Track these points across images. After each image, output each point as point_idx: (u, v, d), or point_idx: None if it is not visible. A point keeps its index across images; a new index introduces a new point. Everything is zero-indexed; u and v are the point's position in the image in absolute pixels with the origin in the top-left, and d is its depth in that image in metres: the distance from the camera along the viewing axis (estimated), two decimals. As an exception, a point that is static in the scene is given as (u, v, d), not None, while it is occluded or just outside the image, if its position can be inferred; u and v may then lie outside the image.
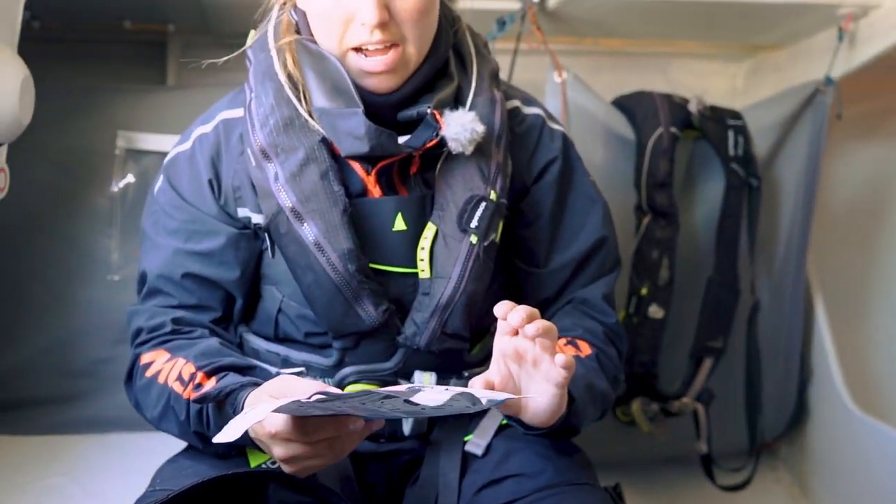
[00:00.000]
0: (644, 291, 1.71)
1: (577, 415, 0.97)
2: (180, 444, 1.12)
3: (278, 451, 0.87)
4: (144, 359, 1.05)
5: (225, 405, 0.96)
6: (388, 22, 0.96)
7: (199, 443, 1.02)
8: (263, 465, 1.01)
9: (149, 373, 1.03)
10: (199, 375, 0.99)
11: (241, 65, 1.11)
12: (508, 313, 0.86)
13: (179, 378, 1.00)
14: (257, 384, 0.95)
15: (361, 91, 1.00)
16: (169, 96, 1.71)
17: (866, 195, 2.12)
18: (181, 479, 0.96)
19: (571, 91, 1.70)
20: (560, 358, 0.85)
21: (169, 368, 1.02)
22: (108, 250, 1.61)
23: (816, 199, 1.87)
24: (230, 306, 1.12)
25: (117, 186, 1.62)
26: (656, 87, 1.82)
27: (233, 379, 0.97)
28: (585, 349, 1.06)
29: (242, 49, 1.11)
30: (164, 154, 1.59)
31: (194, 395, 0.97)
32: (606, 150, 1.74)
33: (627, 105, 1.78)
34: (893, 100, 2.08)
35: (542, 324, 0.85)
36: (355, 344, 1.06)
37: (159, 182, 1.14)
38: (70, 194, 1.62)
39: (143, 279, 1.12)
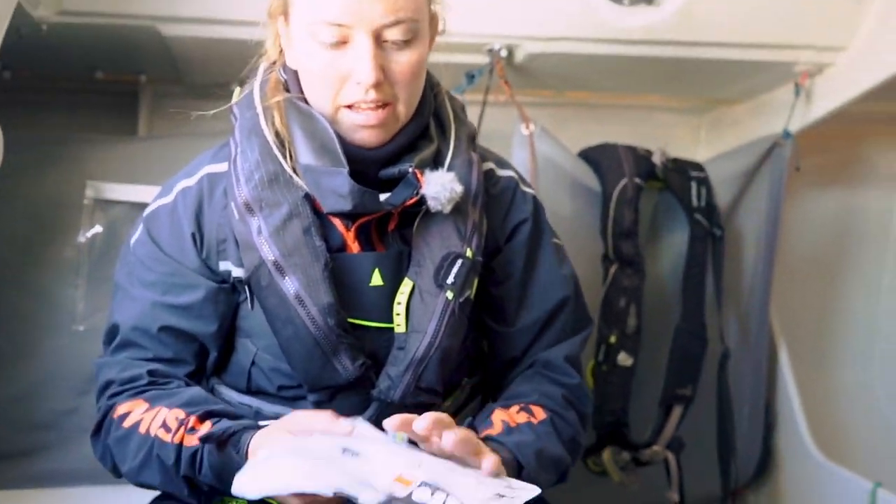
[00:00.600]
0: (613, 339, 1.73)
1: (528, 481, 0.97)
2: (146, 498, 1.10)
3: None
4: (120, 409, 1.03)
5: (227, 446, 0.95)
6: (382, 82, 0.99)
7: (185, 488, 1.00)
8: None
9: (126, 423, 1.02)
10: (192, 420, 0.98)
11: (214, 115, 1.12)
12: (417, 426, 0.87)
13: (164, 426, 0.99)
14: (258, 427, 0.95)
15: (347, 149, 1.03)
16: (139, 146, 1.71)
17: (826, 244, 2.18)
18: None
19: (539, 143, 1.73)
20: (486, 466, 0.88)
21: (150, 418, 1.00)
22: (73, 300, 1.59)
23: (778, 248, 1.91)
24: (204, 360, 1.11)
25: (85, 237, 1.60)
26: (621, 137, 1.86)
27: (232, 422, 0.97)
28: (539, 414, 1.06)
29: (225, 106, 1.12)
30: (134, 204, 1.62)
31: (197, 436, 0.96)
32: (573, 201, 1.77)
33: (593, 157, 1.82)
34: (849, 152, 2.15)
35: (454, 437, 0.87)
36: (330, 398, 1.05)
37: (137, 233, 1.13)
38: (37, 244, 1.60)
39: (113, 331, 1.11)
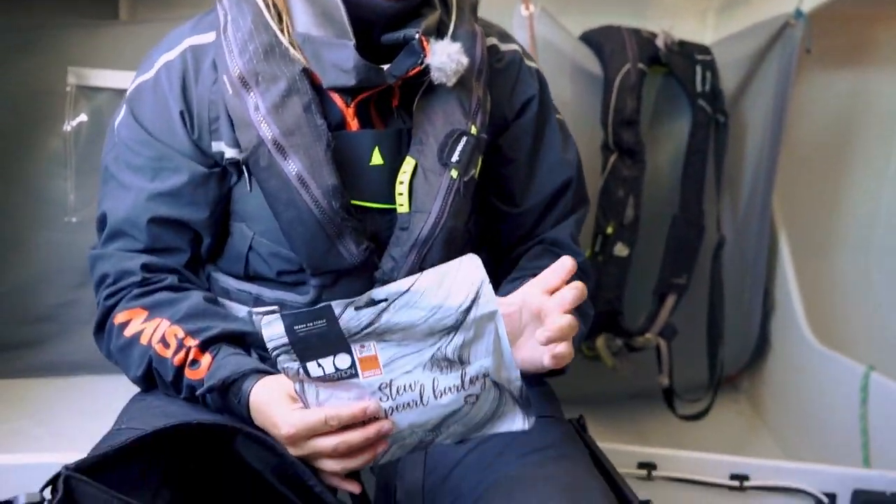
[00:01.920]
0: (610, 230, 1.72)
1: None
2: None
3: (293, 450, 0.86)
4: (120, 318, 1.02)
5: (228, 393, 0.94)
6: None
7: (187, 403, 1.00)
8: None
9: (127, 332, 1.00)
10: (193, 350, 0.96)
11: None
12: (565, 288, 0.84)
13: (163, 340, 0.97)
14: (259, 370, 0.93)
15: (350, 12, 0.96)
16: (122, 30, 1.65)
17: (834, 131, 2.13)
18: (148, 419, 0.95)
19: (539, 25, 1.67)
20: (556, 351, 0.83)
21: (151, 329, 0.99)
22: (63, 192, 1.56)
23: (784, 134, 1.87)
24: (198, 247, 1.09)
25: (70, 125, 1.57)
26: (625, 20, 1.79)
27: (232, 362, 0.94)
28: None
29: None
30: (119, 91, 1.57)
31: (199, 392, 0.94)
32: (574, 86, 1.72)
33: (595, 40, 1.76)
34: (862, 33, 2.07)
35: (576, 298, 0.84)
36: (334, 282, 1.04)
37: (121, 114, 1.08)
38: (20, 135, 1.56)
39: (103, 220, 1.08)
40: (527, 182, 1.12)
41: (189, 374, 0.96)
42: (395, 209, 1.02)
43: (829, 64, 2.05)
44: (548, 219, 1.14)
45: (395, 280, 1.01)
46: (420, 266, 1.01)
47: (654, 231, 1.77)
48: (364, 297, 0.79)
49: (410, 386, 0.82)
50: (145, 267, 1.04)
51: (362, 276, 1.03)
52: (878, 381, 1.69)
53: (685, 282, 1.78)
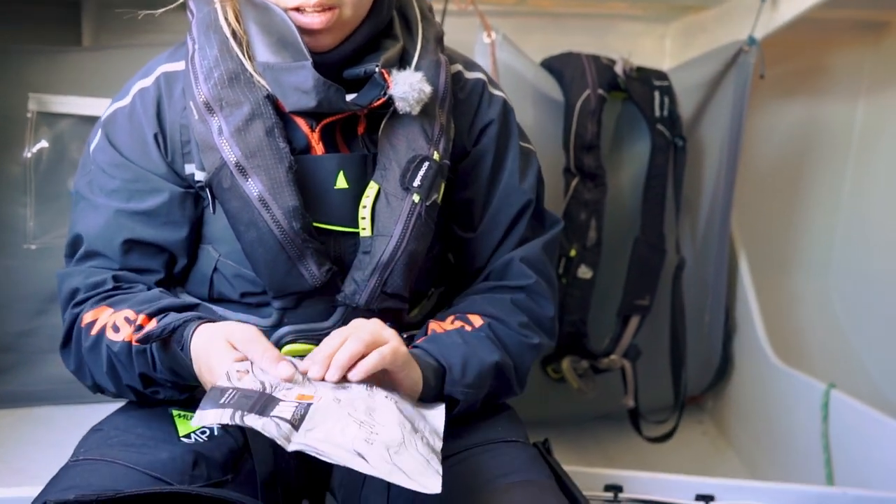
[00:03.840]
0: (573, 253, 1.73)
1: (451, 386, 0.99)
2: (106, 413, 1.10)
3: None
4: (87, 318, 1.01)
5: (171, 343, 0.94)
6: None
7: (142, 385, 0.99)
8: (193, 435, 1.00)
9: (94, 331, 1.00)
10: (141, 318, 0.97)
11: (160, 25, 1.06)
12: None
13: (114, 326, 0.98)
14: (201, 318, 0.94)
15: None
16: (84, 57, 1.64)
17: (789, 153, 2.18)
18: (105, 450, 0.94)
19: (500, 52, 1.69)
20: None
21: (112, 322, 0.99)
22: (23, 218, 1.55)
23: (741, 157, 1.91)
24: (172, 268, 1.09)
25: (30, 152, 1.55)
26: (585, 48, 1.82)
27: (174, 317, 0.95)
28: (476, 321, 1.07)
29: (179, 1, 1.07)
30: (81, 117, 1.56)
31: (136, 337, 0.94)
32: (536, 111, 1.75)
33: (555, 66, 1.79)
34: (814, 59, 2.13)
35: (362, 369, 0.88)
36: (296, 304, 1.04)
37: (96, 140, 1.08)
38: (-21, 161, 1.55)
39: (77, 242, 1.07)
40: (483, 207, 1.13)
41: (136, 340, 0.95)
42: (357, 233, 1.03)
43: (783, 89, 2.11)
44: (505, 244, 1.14)
45: (356, 303, 1.02)
46: (381, 289, 1.02)
47: (617, 253, 1.80)
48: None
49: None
50: (116, 279, 1.04)
51: (324, 299, 1.04)
52: (839, 398, 1.71)
53: (648, 303, 1.80)
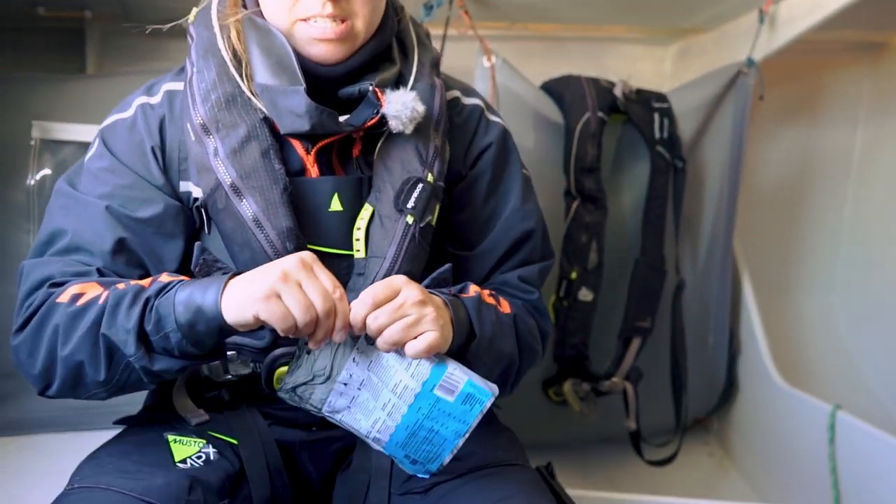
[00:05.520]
0: (574, 275, 1.73)
1: (477, 357, 0.99)
2: (102, 441, 1.09)
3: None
4: (73, 290, 0.94)
5: (211, 271, 0.93)
6: None
7: (136, 336, 0.90)
8: (189, 460, 0.99)
9: (81, 301, 0.93)
10: (144, 282, 0.93)
11: (164, 53, 1.07)
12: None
13: (114, 289, 0.92)
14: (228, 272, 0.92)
15: (305, 66, 1.00)
16: (87, 84, 1.65)
17: (790, 174, 2.19)
18: (100, 477, 0.94)
19: (500, 76, 1.71)
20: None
21: (107, 293, 0.93)
22: (26, 246, 1.55)
23: (742, 178, 1.91)
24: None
25: (34, 179, 1.56)
26: (586, 71, 1.83)
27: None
28: (506, 307, 1.07)
29: (178, 21, 1.08)
30: (83, 144, 1.57)
31: (160, 283, 0.91)
32: (536, 134, 1.76)
33: (555, 89, 1.80)
34: (813, 81, 2.14)
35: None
36: None
37: (93, 149, 1.07)
38: (-17, 188, 1.56)
39: (54, 236, 1.01)
40: (481, 229, 1.13)
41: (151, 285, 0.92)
42: (352, 255, 1.03)
43: (783, 110, 2.12)
44: (504, 266, 1.14)
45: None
46: None
47: (618, 276, 1.79)
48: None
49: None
50: (100, 272, 0.99)
51: None
52: (845, 420, 1.71)
53: (649, 325, 1.80)
